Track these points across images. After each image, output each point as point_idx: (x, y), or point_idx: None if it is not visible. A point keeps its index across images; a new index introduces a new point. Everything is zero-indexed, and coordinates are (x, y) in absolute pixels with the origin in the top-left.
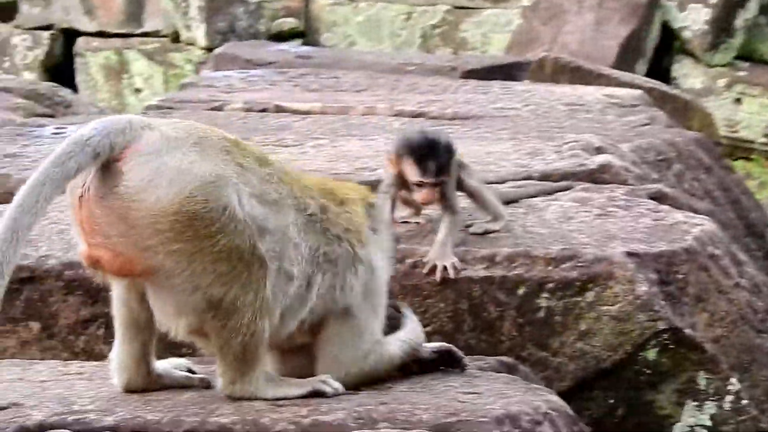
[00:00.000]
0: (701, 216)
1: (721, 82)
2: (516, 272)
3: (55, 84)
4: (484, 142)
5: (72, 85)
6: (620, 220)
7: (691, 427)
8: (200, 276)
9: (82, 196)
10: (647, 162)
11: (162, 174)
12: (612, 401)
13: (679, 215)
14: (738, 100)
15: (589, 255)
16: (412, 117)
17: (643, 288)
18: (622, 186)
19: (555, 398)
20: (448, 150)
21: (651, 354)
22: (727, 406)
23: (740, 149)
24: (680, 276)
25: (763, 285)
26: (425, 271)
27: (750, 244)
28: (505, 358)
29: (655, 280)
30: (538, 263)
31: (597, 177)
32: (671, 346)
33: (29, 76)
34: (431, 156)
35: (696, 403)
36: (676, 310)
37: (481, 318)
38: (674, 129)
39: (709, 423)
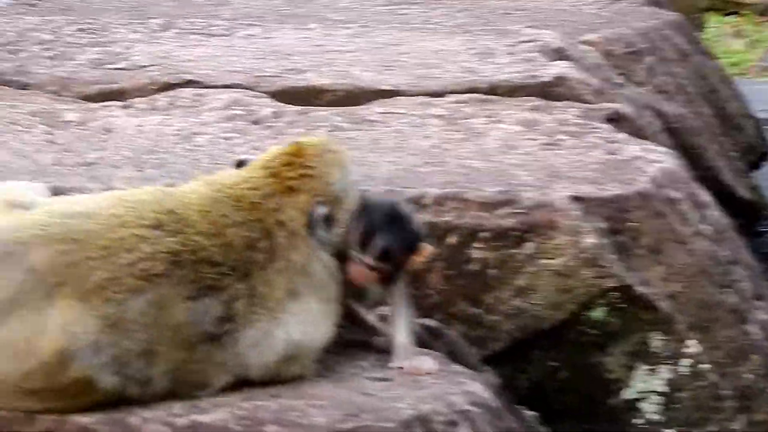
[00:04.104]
0: (660, 150)
1: None
2: (445, 218)
3: None
4: (435, 36)
5: None
6: (569, 152)
7: (643, 393)
8: None
9: None
10: (615, 56)
11: None
12: (553, 363)
13: (635, 148)
14: None
15: (528, 199)
16: None
17: (589, 240)
18: (576, 105)
19: (477, 388)
20: (412, 237)
21: (598, 313)
22: (683, 370)
23: (731, 3)
24: (633, 224)
25: (727, 229)
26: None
27: (725, 143)
28: (430, 322)
29: (603, 229)
30: (471, 208)
31: (550, 91)
32: (621, 305)
33: None
34: (386, 234)
35: (648, 367)
36: (627, 264)
37: None
38: (650, 9)
39: (663, 389)
